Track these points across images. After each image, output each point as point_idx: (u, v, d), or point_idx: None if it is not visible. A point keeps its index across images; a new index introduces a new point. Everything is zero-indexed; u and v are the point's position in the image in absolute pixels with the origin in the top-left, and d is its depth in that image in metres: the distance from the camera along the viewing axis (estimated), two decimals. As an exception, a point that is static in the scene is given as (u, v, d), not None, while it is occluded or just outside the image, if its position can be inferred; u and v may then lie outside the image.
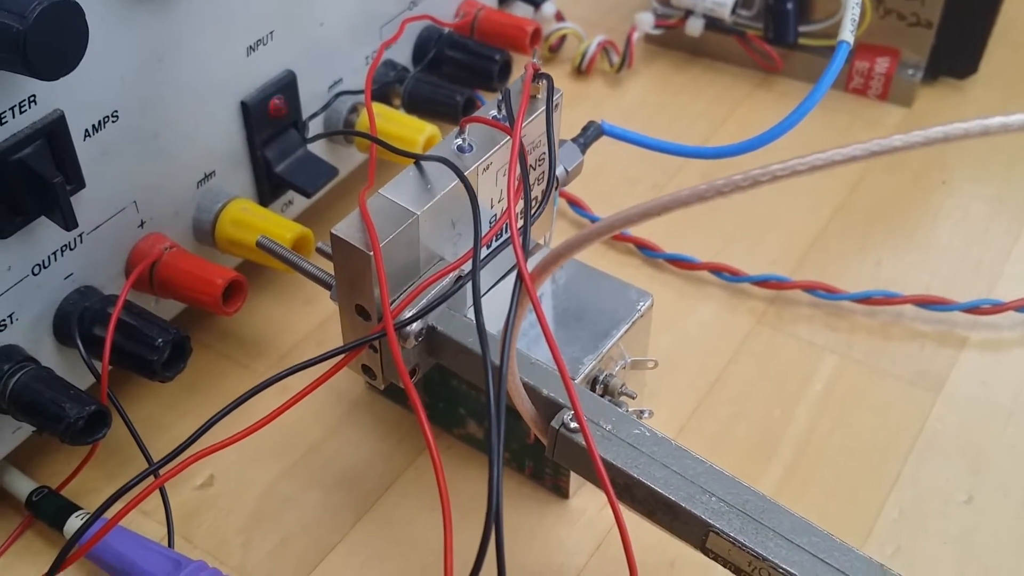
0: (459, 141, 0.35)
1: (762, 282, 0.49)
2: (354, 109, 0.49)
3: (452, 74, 0.53)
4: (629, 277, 0.51)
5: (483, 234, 0.32)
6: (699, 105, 0.62)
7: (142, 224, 0.41)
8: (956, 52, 0.61)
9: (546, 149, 0.37)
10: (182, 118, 0.41)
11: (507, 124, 0.34)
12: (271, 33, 0.43)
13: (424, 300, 0.33)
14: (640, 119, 0.61)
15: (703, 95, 0.63)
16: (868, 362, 0.46)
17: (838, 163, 0.24)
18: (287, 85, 0.45)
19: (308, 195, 0.46)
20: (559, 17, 0.66)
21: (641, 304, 0.40)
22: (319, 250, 0.39)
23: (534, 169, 0.38)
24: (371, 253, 0.32)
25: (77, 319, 0.38)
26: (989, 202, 0.55)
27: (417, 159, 0.34)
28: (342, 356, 0.33)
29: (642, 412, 0.39)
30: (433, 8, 0.53)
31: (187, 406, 0.44)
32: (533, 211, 0.32)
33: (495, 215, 0.37)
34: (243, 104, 0.43)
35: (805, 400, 0.45)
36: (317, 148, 0.48)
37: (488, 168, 0.35)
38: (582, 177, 0.56)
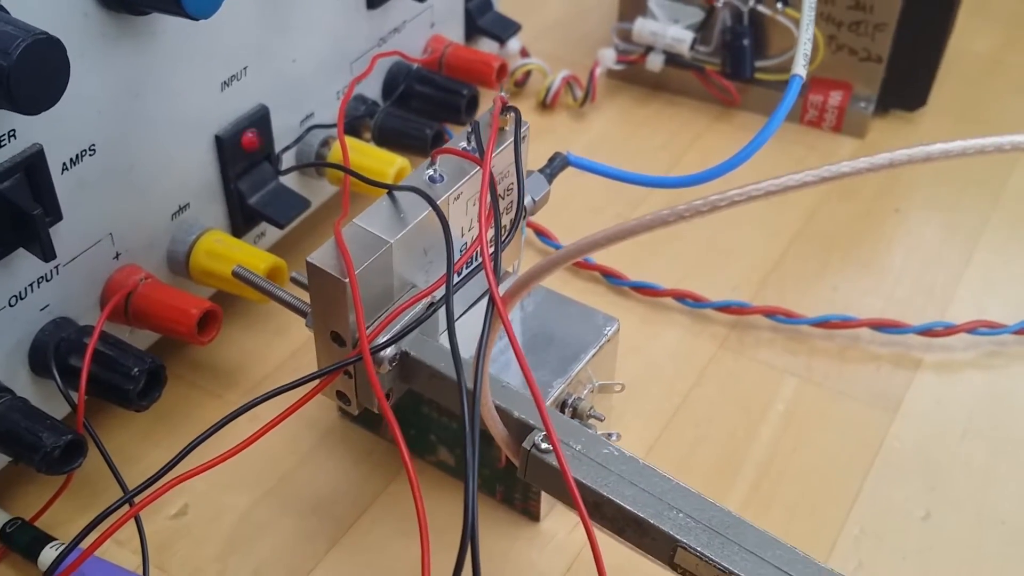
0: (430, 172, 0.36)
1: (724, 308, 0.50)
2: (325, 142, 0.50)
3: (421, 108, 0.54)
4: (595, 304, 0.52)
5: (455, 261, 0.33)
6: (660, 138, 0.64)
7: (117, 256, 0.41)
8: (906, 85, 0.64)
9: (514, 180, 0.39)
10: (157, 152, 0.41)
11: (477, 155, 0.36)
12: (245, 69, 0.44)
13: (398, 326, 0.34)
14: (604, 152, 0.63)
15: (664, 128, 0.65)
16: (827, 384, 0.48)
17: (773, 192, 0.26)
18: (260, 119, 0.46)
19: (281, 227, 0.47)
20: (524, 53, 0.67)
21: (608, 329, 0.41)
22: (294, 280, 0.40)
23: (502, 198, 0.39)
24: (346, 280, 0.32)
25: (53, 350, 0.38)
26: (941, 228, 0.57)
27: (390, 189, 0.35)
28: (317, 382, 0.34)
29: (610, 435, 0.40)
30: (402, 44, 0.55)
31: (160, 436, 0.44)
32: (503, 238, 0.33)
33: (465, 243, 0.38)
34: (217, 138, 0.44)
35: (767, 422, 0.46)
36: (289, 180, 0.49)
37: (459, 198, 0.36)
38: (549, 207, 0.57)
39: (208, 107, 0.43)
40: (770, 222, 0.57)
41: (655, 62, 0.65)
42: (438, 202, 0.35)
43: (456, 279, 0.35)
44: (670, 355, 0.49)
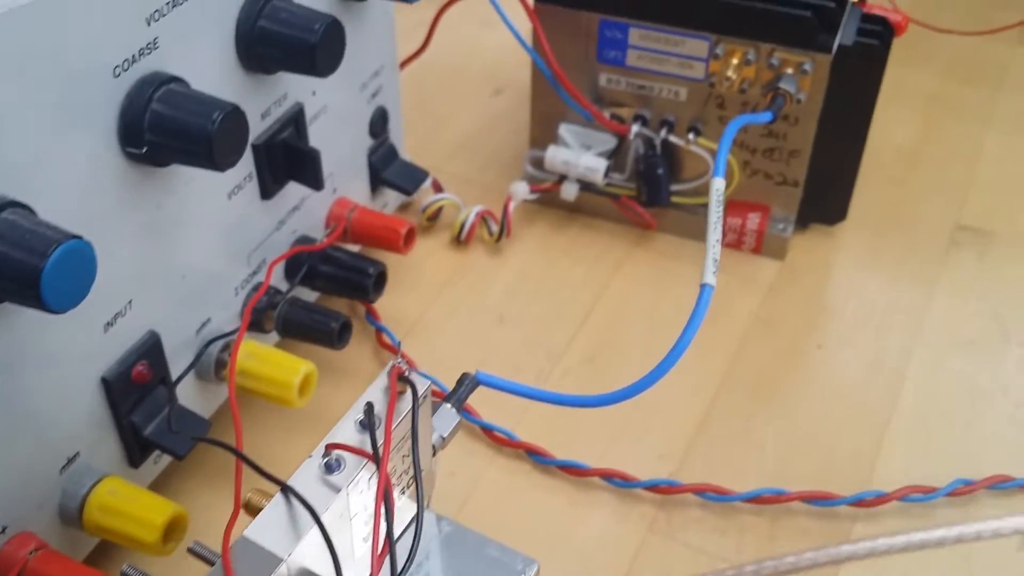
0: (327, 460, 0.34)
1: (653, 487, 0.49)
2: (225, 347, 0.48)
3: (327, 288, 0.52)
4: (519, 484, 0.50)
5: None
6: (580, 270, 0.62)
7: (4, 529, 0.39)
8: (824, 204, 0.63)
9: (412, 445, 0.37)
10: (38, 415, 0.39)
11: (372, 447, 0.34)
12: (130, 303, 0.42)
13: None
14: (523, 293, 0.61)
15: (583, 258, 0.63)
16: (760, 573, 0.47)
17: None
18: (151, 348, 0.43)
19: (179, 457, 0.44)
20: (436, 186, 0.65)
21: (527, 574, 0.39)
22: (191, 551, 0.38)
23: (407, 457, 0.37)
24: (237, 617, 0.30)
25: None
26: (863, 369, 0.56)
27: (284, 488, 0.33)
28: None
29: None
30: (303, 220, 0.52)
31: None
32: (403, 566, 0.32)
33: (369, 516, 0.36)
34: (104, 380, 0.42)
35: (700, 622, 0.45)
36: (187, 390, 0.47)
37: (358, 482, 0.34)
38: (465, 365, 0.55)
39: (91, 353, 0.41)
40: (695, 368, 0.55)
41: (570, 191, 0.63)
42: (337, 493, 0.33)
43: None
44: (598, 544, 0.48)
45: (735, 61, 0.56)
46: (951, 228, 0.65)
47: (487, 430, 0.52)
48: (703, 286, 0.41)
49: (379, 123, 0.57)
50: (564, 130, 0.63)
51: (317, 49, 0.43)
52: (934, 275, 0.61)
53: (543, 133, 0.64)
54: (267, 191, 0.48)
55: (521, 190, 0.63)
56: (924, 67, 0.79)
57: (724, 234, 0.63)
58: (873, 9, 0.59)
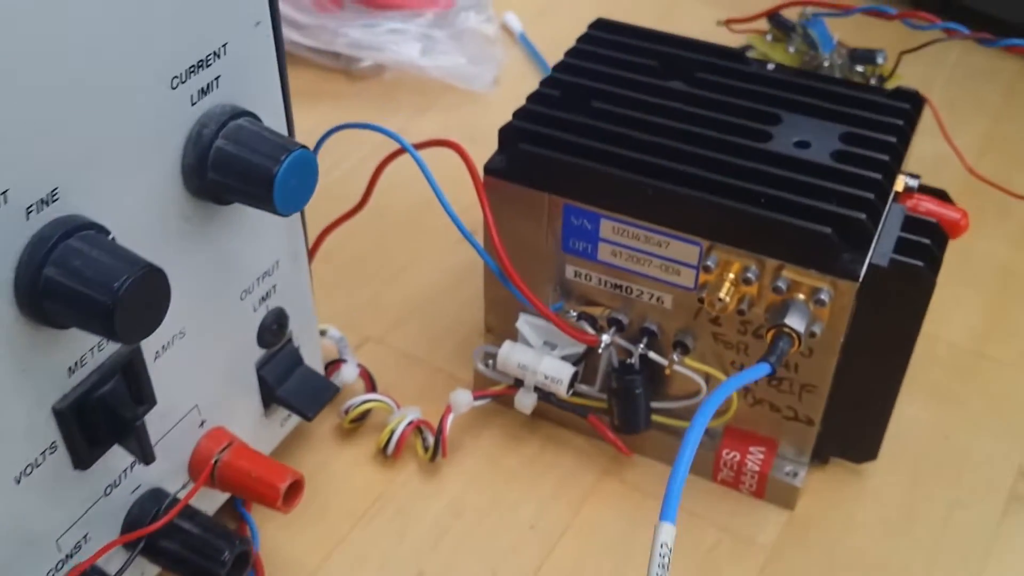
0: None
1: None
2: (14, 666, 0.36)
3: (170, 568, 0.40)
4: None
5: None
6: (529, 510, 0.49)
7: None
8: (848, 440, 0.49)
9: None
10: None
11: None
12: None
13: None
14: (453, 538, 0.48)
15: (537, 492, 0.50)
16: None
17: None
18: None
19: None
20: (366, 378, 0.53)
21: None
22: None
23: None
24: None
25: None
26: None
27: None
28: None
29: None
30: (153, 470, 0.40)
31: None
32: None
33: None
34: None
35: None
36: None
37: None
38: None
39: None
40: None
41: (525, 402, 0.50)
42: None
43: None
44: None
45: (731, 276, 0.43)
46: (1014, 474, 0.50)
47: None
48: None
49: (273, 329, 0.45)
50: (524, 322, 0.50)
51: (116, 313, 0.31)
52: (983, 549, 0.47)
53: (500, 322, 0.52)
54: (82, 460, 0.37)
55: (463, 401, 0.51)
56: (994, 229, 0.64)
57: (718, 468, 0.50)
58: (921, 204, 0.46)
